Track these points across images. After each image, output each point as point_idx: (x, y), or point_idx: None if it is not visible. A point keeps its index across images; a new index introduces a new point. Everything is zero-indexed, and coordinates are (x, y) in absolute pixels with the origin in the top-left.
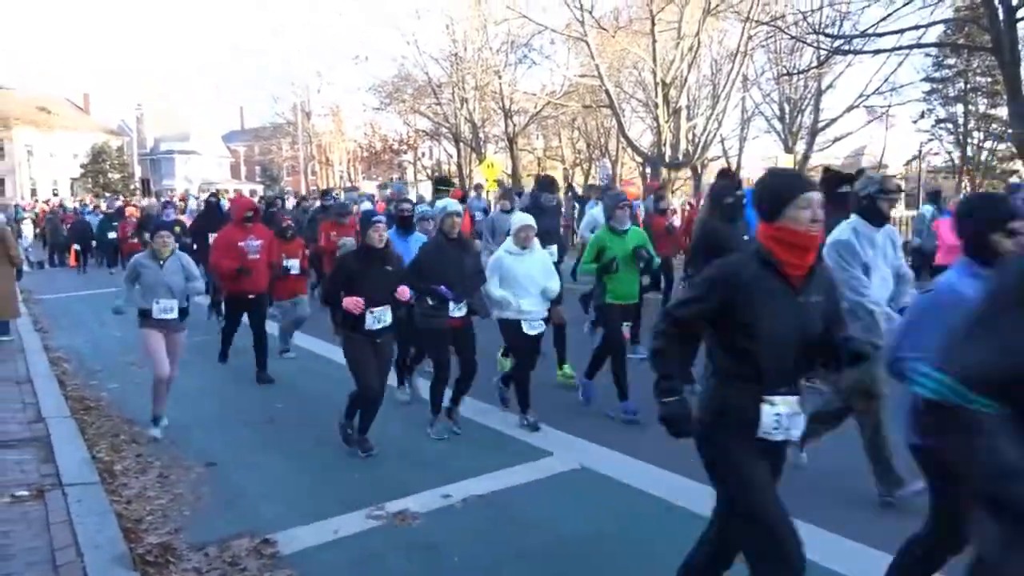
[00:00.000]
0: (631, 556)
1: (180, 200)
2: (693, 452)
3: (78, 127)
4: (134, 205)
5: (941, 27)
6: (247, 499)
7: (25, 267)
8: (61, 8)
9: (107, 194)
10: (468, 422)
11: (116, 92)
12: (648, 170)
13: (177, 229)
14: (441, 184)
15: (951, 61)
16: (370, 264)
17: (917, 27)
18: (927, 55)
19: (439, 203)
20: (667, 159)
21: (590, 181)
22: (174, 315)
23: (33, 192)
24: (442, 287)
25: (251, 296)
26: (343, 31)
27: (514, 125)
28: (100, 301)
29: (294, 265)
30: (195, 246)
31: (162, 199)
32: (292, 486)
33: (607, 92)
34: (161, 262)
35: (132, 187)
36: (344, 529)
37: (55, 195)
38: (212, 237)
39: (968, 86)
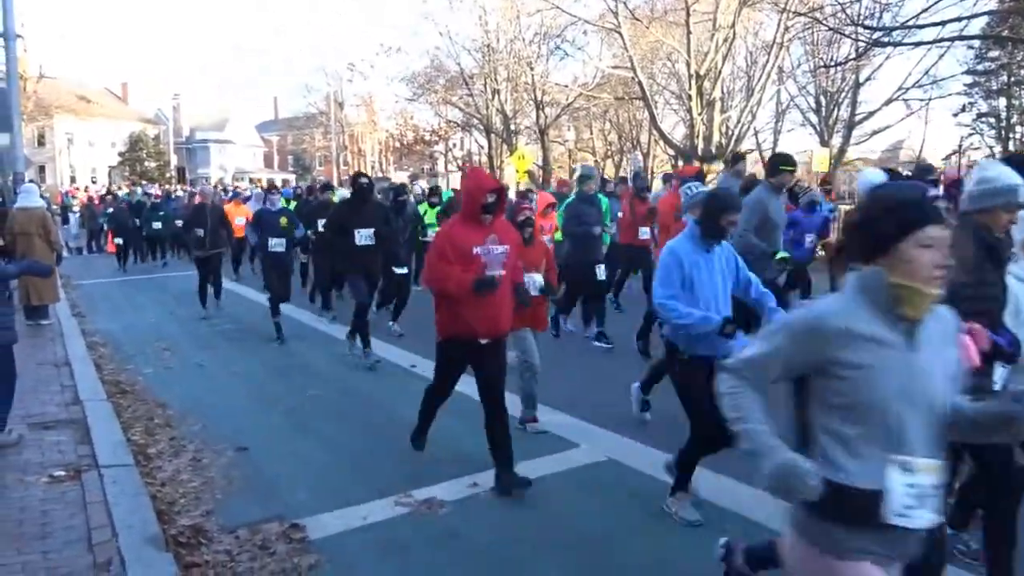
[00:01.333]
0: (656, 549)
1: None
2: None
3: (116, 116)
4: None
5: (984, 19)
6: (277, 484)
7: (64, 253)
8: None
9: (143, 182)
10: None
11: (154, 82)
12: (680, 163)
13: (284, 221)
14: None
15: (994, 54)
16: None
17: (959, 19)
18: (969, 47)
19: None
20: (700, 152)
21: (621, 173)
22: None
23: (72, 179)
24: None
25: (483, 343)
26: (343, 31)
27: (545, 117)
28: (137, 287)
29: (535, 282)
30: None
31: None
32: (322, 472)
33: (640, 84)
34: None
35: (168, 175)
36: (372, 516)
37: (93, 182)
38: (361, 235)
39: (1012, 79)
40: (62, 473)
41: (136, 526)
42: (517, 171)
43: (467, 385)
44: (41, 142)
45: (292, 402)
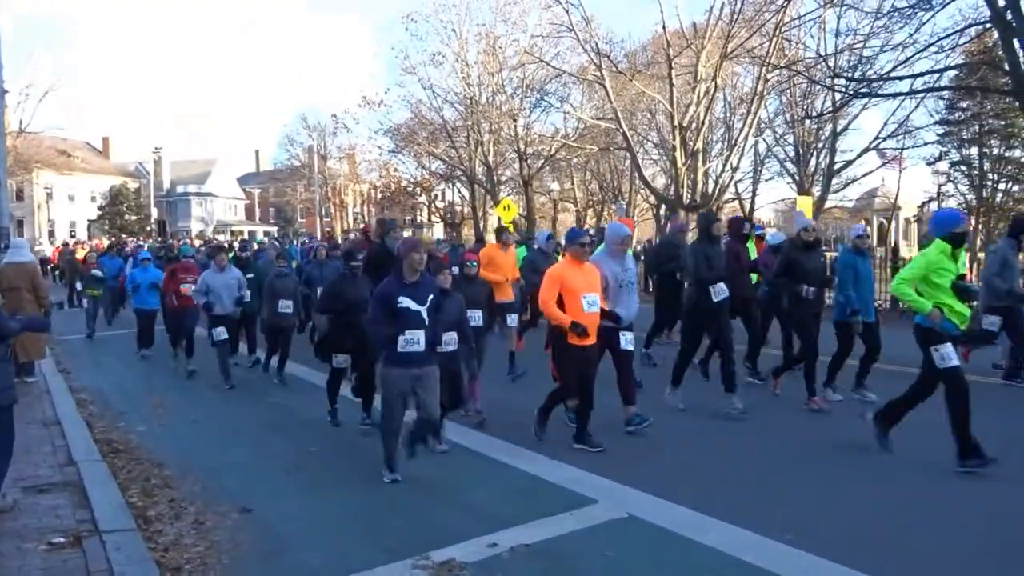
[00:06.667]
0: None
1: (197, 240)
2: (739, 500)
3: (97, 170)
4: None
5: (955, 71)
6: (287, 547)
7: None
8: (84, 51)
9: (132, 238)
10: (507, 468)
11: (136, 136)
12: (663, 211)
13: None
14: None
15: (965, 104)
16: None
17: (932, 71)
18: (940, 99)
19: None
20: (684, 201)
21: (603, 223)
22: None
23: (51, 234)
24: None
25: None
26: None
27: (529, 168)
28: (121, 341)
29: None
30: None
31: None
32: (334, 533)
33: (624, 134)
34: None
35: (148, 228)
36: None
37: (72, 236)
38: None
39: (983, 128)
40: (62, 539)
41: None
42: (503, 221)
43: (466, 436)
44: (19, 196)
45: (294, 459)
